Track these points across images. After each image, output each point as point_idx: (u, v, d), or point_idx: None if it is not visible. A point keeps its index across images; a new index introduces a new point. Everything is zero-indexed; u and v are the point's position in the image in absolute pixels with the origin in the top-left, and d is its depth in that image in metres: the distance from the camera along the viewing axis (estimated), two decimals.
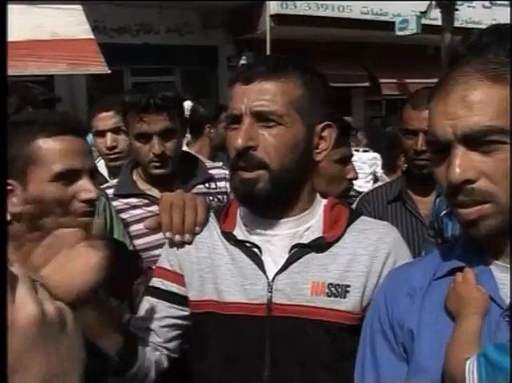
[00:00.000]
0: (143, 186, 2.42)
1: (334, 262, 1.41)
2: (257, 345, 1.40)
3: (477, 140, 1.06)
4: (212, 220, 1.54)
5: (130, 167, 2.50)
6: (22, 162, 1.46)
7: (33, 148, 1.47)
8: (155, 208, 2.33)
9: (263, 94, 1.37)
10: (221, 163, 2.84)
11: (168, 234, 1.50)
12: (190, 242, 1.52)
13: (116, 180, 2.52)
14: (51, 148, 1.47)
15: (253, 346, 1.40)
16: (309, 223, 1.46)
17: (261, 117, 1.37)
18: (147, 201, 2.38)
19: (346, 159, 2.40)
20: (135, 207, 2.39)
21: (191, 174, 2.47)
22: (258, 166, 1.37)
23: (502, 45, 1.52)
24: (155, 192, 2.40)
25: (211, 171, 2.53)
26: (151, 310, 1.56)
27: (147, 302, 1.58)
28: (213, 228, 1.52)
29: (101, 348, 1.38)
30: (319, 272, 1.41)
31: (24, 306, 0.58)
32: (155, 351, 1.55)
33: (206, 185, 2.48)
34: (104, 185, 2.53)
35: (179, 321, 1.56)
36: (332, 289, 1.40)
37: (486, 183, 1.07)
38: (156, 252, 2.06)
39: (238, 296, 1.42)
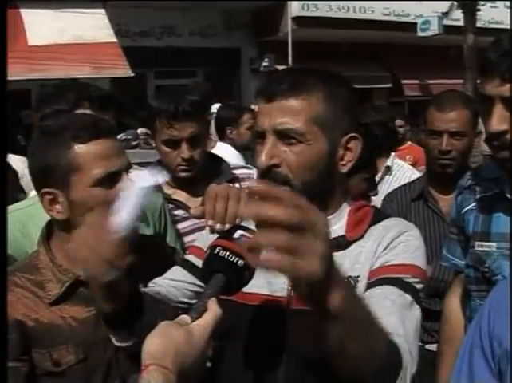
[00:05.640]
0: (168, 190, 2.45)
1: (348, 257, 1.43)
2: (276, 337, 1.42)
3: None
4: None
5: None
6: (61, 171, 1.52)
7: (70, 157, 1.52)
8: (180, 212, 2.40)
9: (284, 112, 1.38)
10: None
11: (210, 222, 1.51)
12: None
13: None
14: (88, 154, 1.52)
15: (272, 337, 1.43)
16: (333, 227, 1.45)
17: (284, 135, 1.38)
18: (172, 206, 2.40)
19: None
20: None
21: (215, 175, 2.48)
22: (283, 182, 1.39)
23: None
24: (180, 196, 2.44)
25: (235, 171, 2.54)
26: (172, 273, 1.64)
27: (173, 269, 1.65)
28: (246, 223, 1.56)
29: None
30: None
31: None
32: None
33: (231, 185, 2.49)
34: None
35: (192, 294, 1.60)
36: None
37: None
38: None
39: (261, 287, 1.45)
